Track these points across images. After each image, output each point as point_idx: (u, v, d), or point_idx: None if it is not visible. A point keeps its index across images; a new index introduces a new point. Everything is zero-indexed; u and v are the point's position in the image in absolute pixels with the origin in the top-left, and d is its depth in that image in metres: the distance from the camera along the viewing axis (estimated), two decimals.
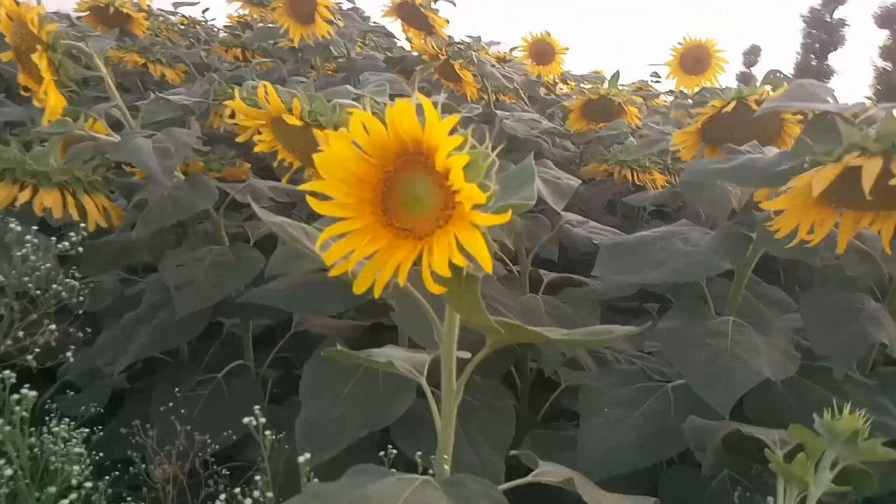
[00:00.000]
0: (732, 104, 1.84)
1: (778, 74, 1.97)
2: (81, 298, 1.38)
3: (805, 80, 1.16)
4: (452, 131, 0.68)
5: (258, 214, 0.76)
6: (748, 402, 1.33)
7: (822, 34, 22.33)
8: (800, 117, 1.87)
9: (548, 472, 0.99)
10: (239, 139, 1.39)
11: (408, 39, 3.00)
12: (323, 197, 0.75)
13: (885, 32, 22.01)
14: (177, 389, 1.47)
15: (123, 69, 2.75)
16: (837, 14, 23.45)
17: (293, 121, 1.21)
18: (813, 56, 22.36)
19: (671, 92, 3.86)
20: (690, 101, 3.40)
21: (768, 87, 1.87)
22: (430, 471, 1.05)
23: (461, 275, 0.70)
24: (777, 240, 1.21)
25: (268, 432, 1.04)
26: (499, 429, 1.44)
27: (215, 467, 1.36)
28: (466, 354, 0.97)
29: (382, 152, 0.72)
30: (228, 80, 1.99)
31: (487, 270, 0.66)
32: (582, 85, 3.85)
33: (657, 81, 4.14)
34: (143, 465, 1.42)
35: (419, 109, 0.69)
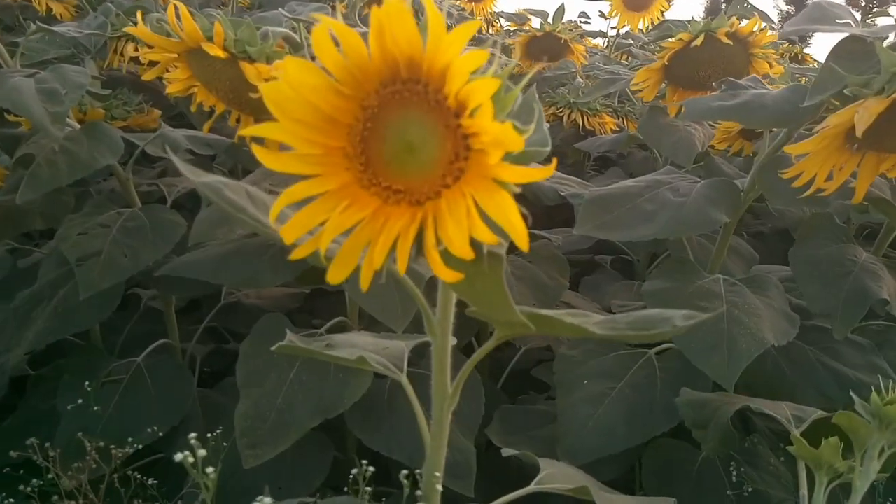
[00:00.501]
0: (701, 38, 1.68)
1: (746, 5, 1.82)
2: None
3: (823, 0, 1.01)
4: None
5: (183, 172, 0.54)
6: None
7: None
8: (771, 52, 1.74)
9: (554, 477, 0.82)
10: (145, 77, 1.13)
11: None
12: (277, 147, 0.54)
13: None
14: (87, 383, 1.22)
15: (1, 3, 2.37)
16: None
17: (215, 52, 0.96)
18: (723, 0, 22.75)
19: (602, 34, 3.71)
20: (632, 41, 3.26)
21: (736, 19, 1.72)
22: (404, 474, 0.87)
23: (481, 254, 0.50)
24: (786, 189, 1.07)
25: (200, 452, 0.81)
26: (467, 408, 1.27)
27: (136, 475, 1.13)
28: (453, 341, 0.78)
29: (361, 79, 0.51)
30: (127, 11, 1.69)
31: (523, 247, 0.47)
32: (506, 24, 3.65)
33: (586, 22, 3.97)
34: (49, 473, 1.19)
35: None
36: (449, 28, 0.47)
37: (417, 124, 0.51)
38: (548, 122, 2.42)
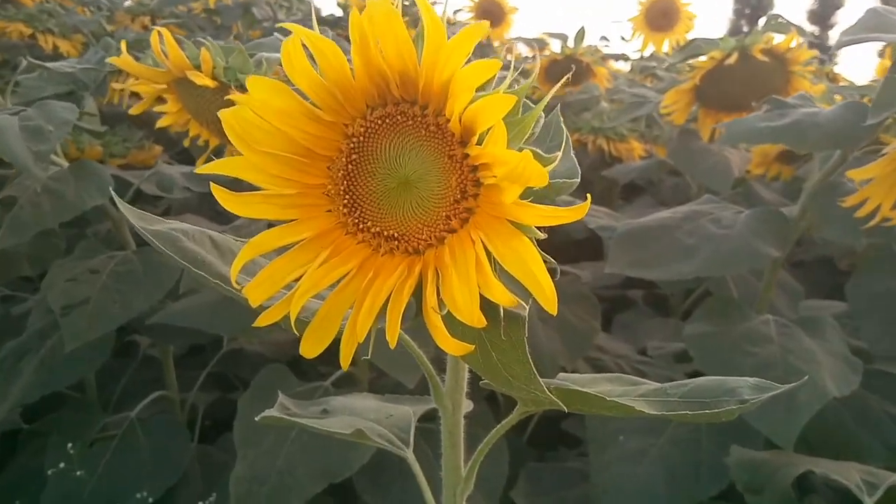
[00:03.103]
0: (735, 55, 1.57)
1: (780, 20, 1.71)
2: None
3: (880, 6, 0.89)
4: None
5: (130, 218, 0.44)
6: None
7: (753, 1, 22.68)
8: (811, 69, 1.62)
9: None
10: (132, 111, 1.04)
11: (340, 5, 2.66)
12: (240, 187, 0.43)
13: None
14: (69, 446, 1.11)
15: (7, 42, 2.32)
16: None
17: (202, 80, 0.87)
18: (744, 22, 22.66)
19: (624, 57, 3.62)
20: (655, 63, 3.15)
21: (772, 35, 1.61)
22: None
23: (497, 317, 0.39)
24: (843, 218, 0.95)
25: None
26: (490, 468, 1.14)
27: None
28: (469, 406, 0.66)
29: (343, 101, 0.40)
30: (131, 46, 1.62)
31: (551, 309, 0.36)
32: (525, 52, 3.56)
33: (607, 46, 3.88)
34: None
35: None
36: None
37: (414, 155, 0.40)
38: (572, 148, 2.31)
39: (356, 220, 0.42)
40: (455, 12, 3.28)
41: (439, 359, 0.58)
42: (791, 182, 1.89)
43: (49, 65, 1.38)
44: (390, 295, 0.39)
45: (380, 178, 0.41)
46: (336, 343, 1.17)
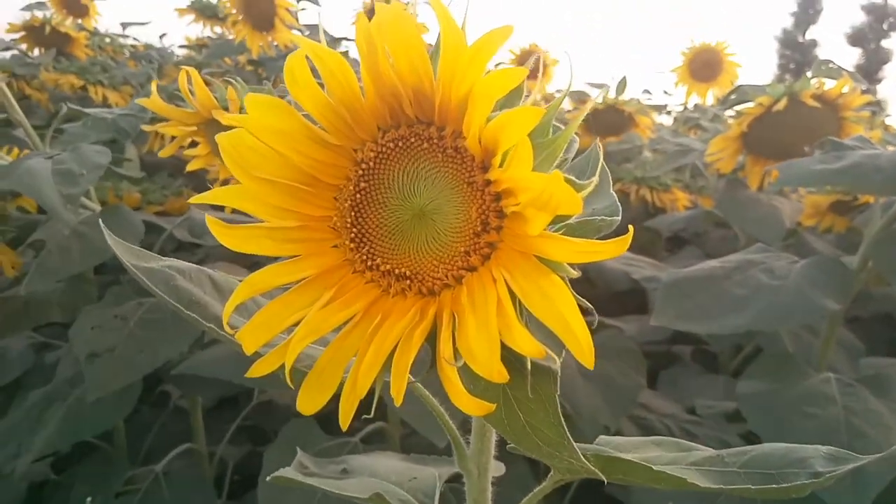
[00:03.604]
0: (784, 101, 1.51)
1: (831, 65, 1.64)
2: None
3: None
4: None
5: (118, 253, 0.40)
6: None
7: (796, 54, 22.61)
8: (865, 115, 1.55)
9: None
10: (162, 154, 1.02)
11: None
12: (233, 218, 0.39)
13: (858, 50, 22.34)
14: (89, 501, 1.07)
15: (60, 94, 2.39)
16: (809, 35, 23.78)
17: (230, 120, 0.84)
18: (788, 76, 22.55)
19: (667, 111, 3.58)
20: (699, 115, 3.10)
21: (823, 80, 1.55)
22: None
23: (523, 371, 0.33)
24: None
25: None
26: None
27: None
28: (499, 469, 0.60)
29: (353, 122, 0.36)
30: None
31: (586, 362, 0.30)
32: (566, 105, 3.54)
33: (649, 99, 3.85)
34: None
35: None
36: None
37: (430, 183, 0.36)
38: None
39: (364, 257, 0.37)
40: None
41: (469, 416, 0.52)
42: (846, 234, 1.80)
43: (89, 110, 1.39)
44: (397, 343, 0.34)
45: (392, 210, 0.37)
46: (369, 396, 1.10)
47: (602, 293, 1.49)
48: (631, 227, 0.32)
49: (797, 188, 1.80)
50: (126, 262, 0.40)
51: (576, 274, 0.32)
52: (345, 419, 0.34)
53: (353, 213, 0.37)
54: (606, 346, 1.30)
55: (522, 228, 0.31)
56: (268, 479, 0.59)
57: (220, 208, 1.59)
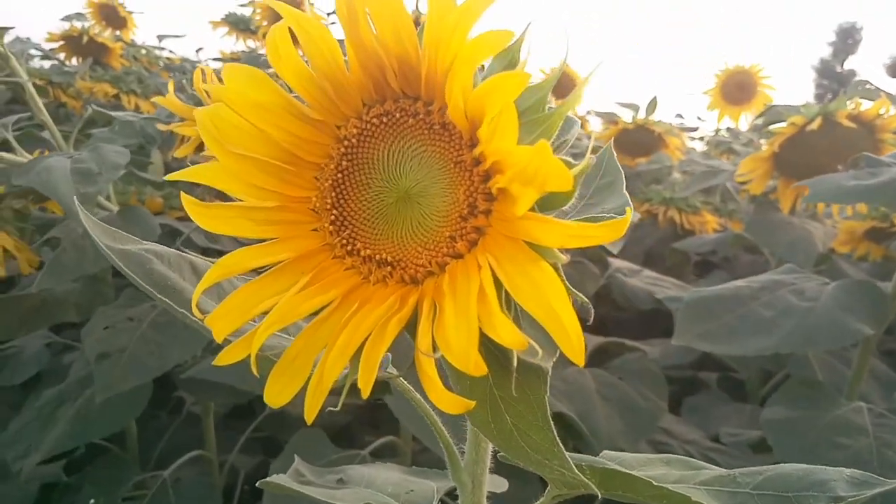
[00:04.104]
0: (818, 121, 1.46)
1: (868, 86, 1.59)
2: None
3: None
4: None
5: (92, 235, 0.38)
6: None
7: (834, 84, 22.32)
8: None
9: None
10: (175, 154, 1.01)
11: None
12: (214, 196, 0.37)
13: None
14: (92, 502, 1.05)
15: (95, 101, 2.42)
16: (848, 65, 23.47)
17: (204, 87, 0.83)
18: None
19: (699, 136, 3.53)
20: (730, 139, 3.04)
21: (860, 101, 1.50)
22: None
23: (508, 367, 0.30)
24: None
25: None
26: None
27: None
28: (501, 484, 0.57)
29: (336, 96, 0.34)
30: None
31: (576, 358, 0.27)
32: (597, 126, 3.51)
33: (681, 123, 3.81)
34: None
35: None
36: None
37: (416, 162, 0.33)
38: (641, 220, 2.21)
39: (344, 241, 0.34)
40: None
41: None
42: (882, 262, 1.73)
43: (113, 113, 1.40)
44: (369, 333, 0.31)
45: (375, 191, 0.34)
46: (378, 409, 1.06)
47: (628, 314, 1.45)
48: (628, 210, 0.29)
49: (831, 214, 1.74)
50: (99, 241, 0.38)
51: (565, 259, 0.29)
52: (310, 413, 0.31)
53: (333, 194, 0.35)
54: (627, 368, 1.25)
55: (510, 210, 0.29)
56: (257, 484, 0.56)
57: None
